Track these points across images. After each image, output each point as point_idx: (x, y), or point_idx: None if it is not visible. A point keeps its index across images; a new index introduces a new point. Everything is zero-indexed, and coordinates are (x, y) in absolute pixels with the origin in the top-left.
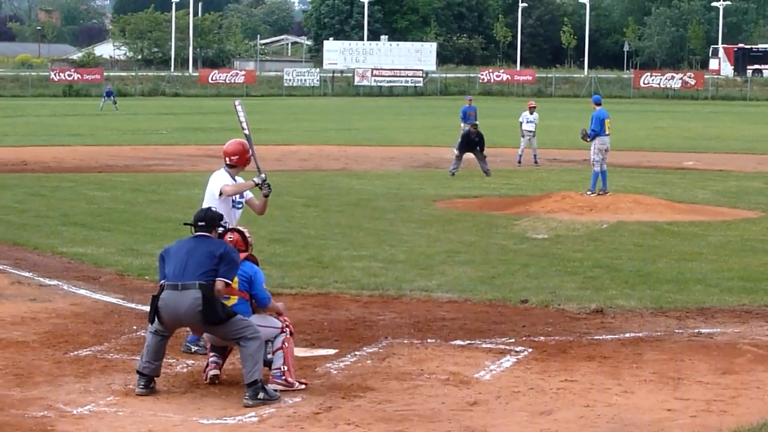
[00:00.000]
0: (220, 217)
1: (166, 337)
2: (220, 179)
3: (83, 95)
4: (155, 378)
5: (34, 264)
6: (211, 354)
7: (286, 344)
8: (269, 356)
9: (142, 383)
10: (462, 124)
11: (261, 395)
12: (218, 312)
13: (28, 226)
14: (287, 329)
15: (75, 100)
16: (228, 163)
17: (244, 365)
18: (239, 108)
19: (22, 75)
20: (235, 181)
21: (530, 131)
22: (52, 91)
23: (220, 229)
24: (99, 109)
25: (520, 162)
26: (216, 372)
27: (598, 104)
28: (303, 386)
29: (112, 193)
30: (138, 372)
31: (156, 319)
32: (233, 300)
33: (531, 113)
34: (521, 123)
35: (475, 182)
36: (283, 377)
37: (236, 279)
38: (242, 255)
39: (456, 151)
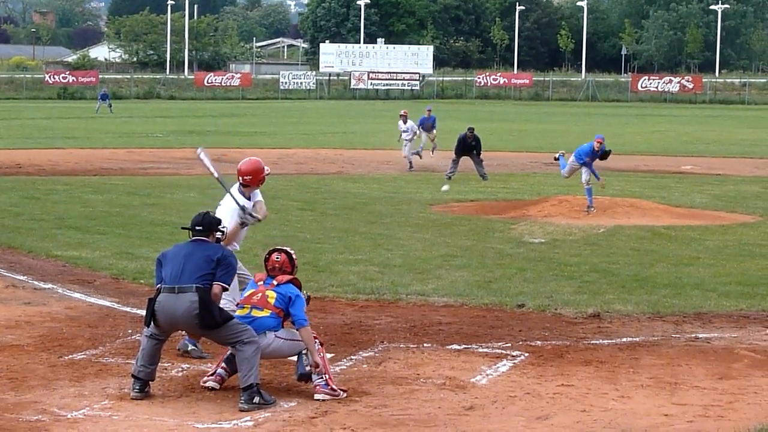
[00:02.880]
0: (219, 221)
1: (162, 341)
2: (231, 205)
3: (78, 98)
4: (150, 382)
5: (29, 267)
6: (222, 365)
7: (321, 354)
8: (307, 368)
9: (137, 387)
10: (417, 131)
11: (256, 399)
12: (215, 316)
13: (23, 230)
14: (317, 340)
15: (70, 103)
16: (242, 182)
17: (239, 369)
18: (203, 155)
19: (17, 77)
20: (247, 198)
21: (407, 139)
22: (46, 94)
23: (219, 234)
24: (95, 112)
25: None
26: (215, 386)
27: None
28: (345, 394)
29: (107, 197)
30: (133, 376)
31: (152, 322)
32: (266, 312)
33: (405, 122)
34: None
35: (472, 186)
36: (329, 386)
37: (274, 295)
38: (287, 277)
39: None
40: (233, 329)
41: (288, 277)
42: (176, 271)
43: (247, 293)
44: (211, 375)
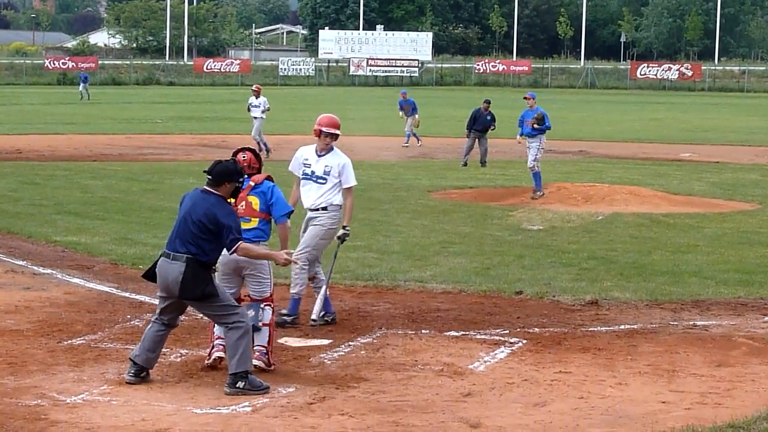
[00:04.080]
0: (236, 172)
1: (167, 327)
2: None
3: (78, 83)
4: (149, 370)
5: (28, 253)
6: (217, 336)
7: (271, 320)
8: (259, 324)
9: (132, 371)
10: (401, 114)
11: (240, 384)
12: (196, 289)
13: (22, 215)
14: (272, 302)
15: (69, 89)
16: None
17: (227, 353)
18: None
19: (17, 63)
20: (318, 155)
21: (256, 117)
22: (46, 80)
23: (238, 184)
24: (80, 98)
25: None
26: (221, 354)
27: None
28: (272, 369)
29: (107, 182)
30: (130, 359)
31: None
32: (254, 222)
33: (257, 97)
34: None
35: (471, 173)
36: (267, 356)
37: (257, 200)
38: (261, 176)
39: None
40: (217, 310)
41: (262, 175)
42: (173, 232)
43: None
44: (213, 349)
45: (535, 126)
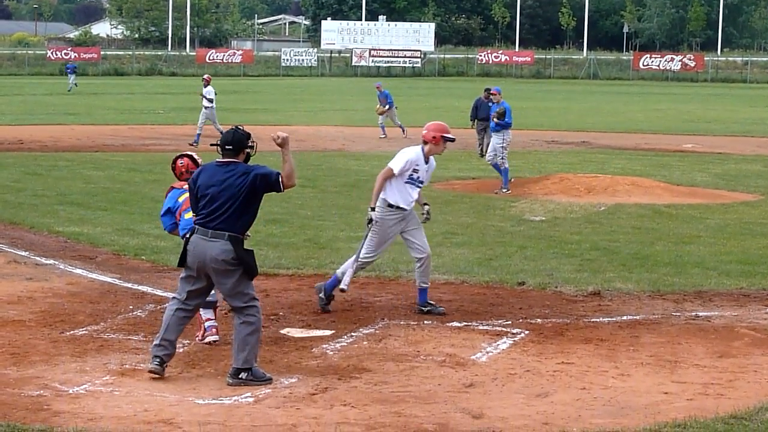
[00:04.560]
0: (248, 135)
1: (192, 311)
2: (402, 154)
3: (80, 74)
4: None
5: (31, 243)
6: (206, 318)
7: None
8: (215, 299)
9: (157, 361)
10: (378, 105)
11: (243, 375)
12: (250, 261)
13: (25, 206)
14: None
15: None
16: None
17: (234, 344)
18: None
19: (19, 53)
20: (426, 161)
21: (206, 107)
22: (48, 70)
23: (249, 150)
24: (68, 90)
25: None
26: (217, 338)
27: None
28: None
29: (109, 173)
30: (156, 348)
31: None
32: (190, 215)
33: (206, 86)
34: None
35: (473, 164)
36: (213, 329)
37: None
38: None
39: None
40: (245, 292)
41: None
42: (204, 210)
43: (183, 196)
44: (206, 332)
45: (496, 120)
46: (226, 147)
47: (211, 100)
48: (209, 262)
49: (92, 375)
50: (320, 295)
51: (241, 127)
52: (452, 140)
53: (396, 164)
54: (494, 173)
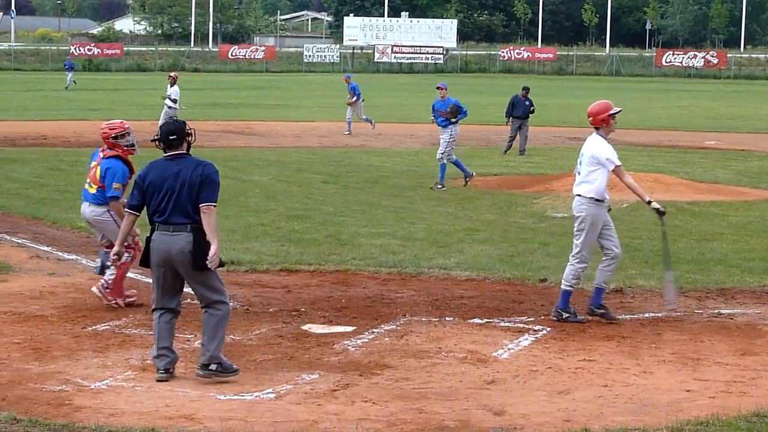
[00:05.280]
0: (184, 124)
1: (176, 313)
2: (602, 146)
3: (103, 70)
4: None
5: (53, 238)
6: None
7: (126, 262)
8: (108, 263)
9: (162, 371)
10: (348, 96)
11: (213, 367)
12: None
13: (47, 201)
14: (129, 253)
15: (95, 75)
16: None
17: (204, 333)
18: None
19: (42, 49)
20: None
21: (170, 107)
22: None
23: (189, 138)
24: (65, 88)
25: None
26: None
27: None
28: (115, 305)
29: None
30: (156, 359)
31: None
32: (94, 189)
33: (172, 85)
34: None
35: (495, 160)
36: (107, 289)
37: (99, 171)
38: (111, 153)
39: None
40: (212, 283)
41: (112, 152)
42: (163, 206)
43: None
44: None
45: (452, 119)
46: (170, 137)
47: (175, 101)
48: (175, 256)
49: (114, 370)
50: (600, 312)
51: (175, 118)
52: (619, 112)
53: (615, 156)
54: (517, 169)
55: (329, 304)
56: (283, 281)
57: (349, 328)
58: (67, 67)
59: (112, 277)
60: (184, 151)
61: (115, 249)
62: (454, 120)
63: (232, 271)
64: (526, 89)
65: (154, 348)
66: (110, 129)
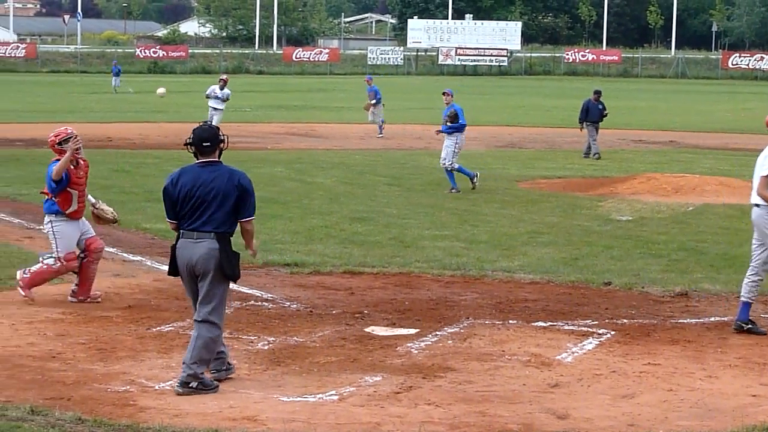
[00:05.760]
0: (218, 129)
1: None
2: None
3: (168, 72)
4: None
5: (118, 240)
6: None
7: (51, 267)
8: (40, 259)
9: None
10: (368, 99)
11: (193, 384)
12: (233, 265)
13: (112, 202)
14: (61, 263)
15: (160, 77)
16: None
17: (192, 347)
18: None
19: (108, 51)
20: None
21: (217, 108)
22: (137, 68)
23: (222, 145)
24: (113, 92)
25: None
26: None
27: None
28: (23, 296)
29: None
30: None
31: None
32: (46, 196)
33: (222, 88)
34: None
35: (559, 163)
36: (22, 281)
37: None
38: (54, 157)
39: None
40: (220, 295)
41: (55, 157)
42: (189, 213)
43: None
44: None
45: (448, 123)
46: (204, 144)
47: (224, 102)
48: (196, 263)
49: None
50: (748, 327)
51: (208, 122)
52: None
53: None
54: (581, 171)
55: (392, 307)
56: (347, 283)
57: (413, 331)
58: (114, 72)
59: (36, 270)
60: (217, 159)
61: None
62: (450, 124)
63: (296, 274)
64: (597, 92)
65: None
66: (55, 136)
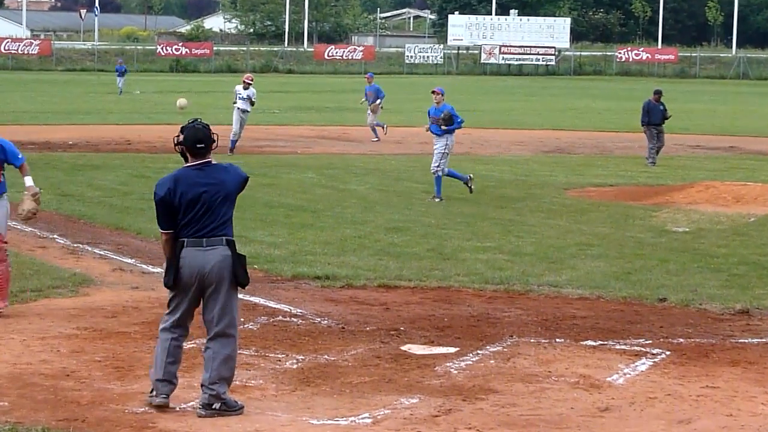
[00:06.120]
0: (209, 128)
1: (184, 338)
2: None
3: (191, 71)
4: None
5: (137, 250)
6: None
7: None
8: None
9: (164, 394)
10: (362, 101)
11: (217, 405)
12: (244, 272)
13: (132, 210)
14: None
15: (182, 76)
16: None
17: (213, 366)
18: None
19: (128, 49)
20: None
21: (246, 110)
22: (158, 66)
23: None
24: (119, 94)
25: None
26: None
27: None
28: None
29: None
30: (158, 384)
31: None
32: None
33: (246, 88)
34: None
35: (611, 169)
36: None
37: None
38: None
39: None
40: (233, 303)
41: None
42: (195, 219)
43: None
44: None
45: (443, 126)
46: (198, 146)
47: (251, 103)
48: (210, 272)
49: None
50: None
51: (199, 120)
52: None
53: None
54: (634, 179)
55: (430, 323)
56: (382, 298)
57: (452, 349)
58: (118, 72)
59: None
60: (210, 159)
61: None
62: (445, 128)
63: (327, 287)
64: (658, 93)
65: (159, 370)
66: None
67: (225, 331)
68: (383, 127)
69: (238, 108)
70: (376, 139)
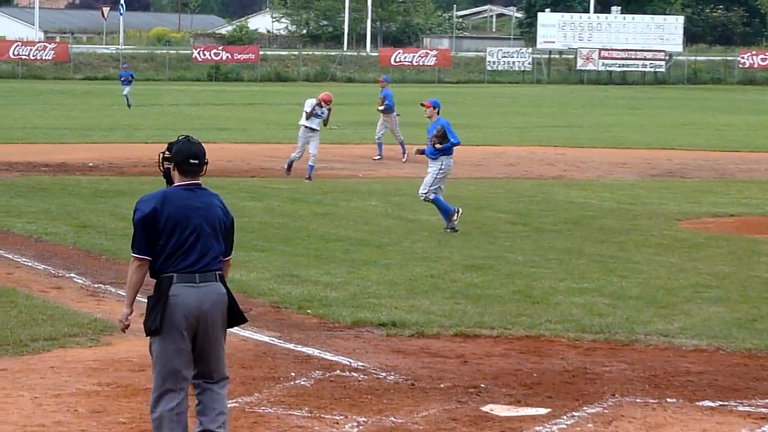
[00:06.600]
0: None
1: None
2: None
3: (233, 80)
4: None
5: None
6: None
7: None
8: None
9: None
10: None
11: None
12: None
13: None
14: None
15: (223, 86)
16: None
17: (217, 410)
18: None
19: (158, 53)
20: None
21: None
22: (194, 74)
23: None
24: (127, 106)
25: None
26: None
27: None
28: None
29: (268, 204)
30: None
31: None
32: None
33: (321, 106)
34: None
35: (732, 197)
36: None
37: None
38: None
39: None
40: (223, 345)
41: None
42: (186, 250)
43: None
44: None
45: (437, 146)
46: (192, 161)
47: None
48: (207, 312)
49: None
50: None
51: (188, 135)
52: None
53: None
54: (760, 209)
55: (517, 380)
56: (459, 349)
57: (543, 411)
58: (122, 79)
59: None
60: (200, 182)
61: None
62: (439, 147)
63: (394, 336)
64: None
65: None
66: None
67: (225, 374)
68: (402, 150)
69: (305, 126)
70: (379, 156)
